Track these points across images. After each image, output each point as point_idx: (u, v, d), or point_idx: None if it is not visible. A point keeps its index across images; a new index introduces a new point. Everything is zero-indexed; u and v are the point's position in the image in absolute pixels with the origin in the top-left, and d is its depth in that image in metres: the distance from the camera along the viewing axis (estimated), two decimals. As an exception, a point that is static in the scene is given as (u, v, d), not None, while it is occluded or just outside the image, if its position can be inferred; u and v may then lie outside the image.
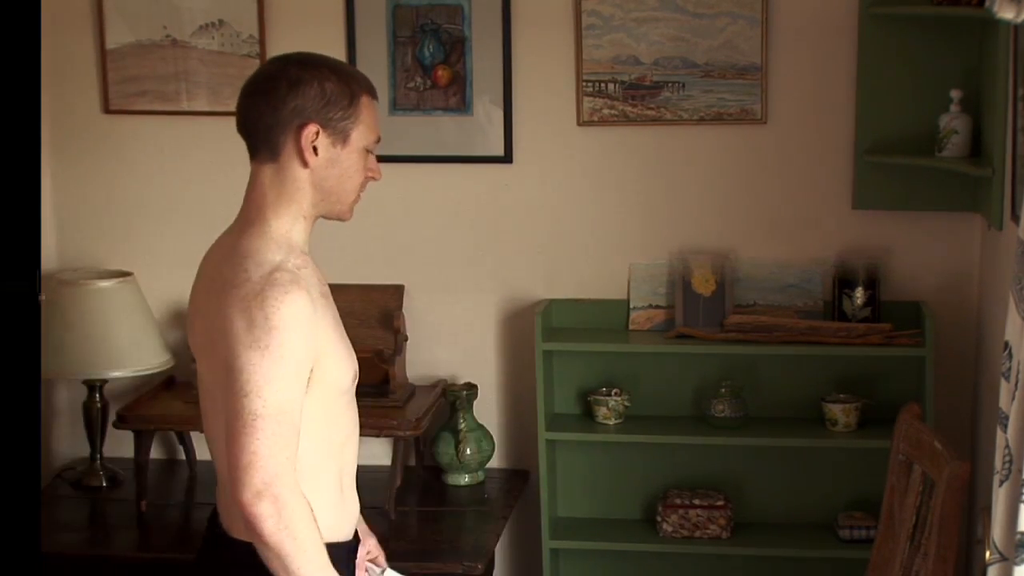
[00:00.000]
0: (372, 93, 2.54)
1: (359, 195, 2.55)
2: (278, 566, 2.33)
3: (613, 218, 4.14)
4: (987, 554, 2.41)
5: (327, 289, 2.54)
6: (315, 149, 2.45)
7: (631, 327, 4.13)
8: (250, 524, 2.30)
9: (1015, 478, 2.28)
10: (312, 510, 2.36)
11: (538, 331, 3.96)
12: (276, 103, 2.44)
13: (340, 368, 2.49)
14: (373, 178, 2.56)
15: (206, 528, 2.62)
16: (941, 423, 3.83)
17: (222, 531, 2.53)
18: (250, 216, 2.49)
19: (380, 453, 4.09)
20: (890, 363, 3.97)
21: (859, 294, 3.96)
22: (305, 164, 2.45)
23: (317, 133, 2.44)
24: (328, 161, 2.47)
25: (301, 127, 2.44)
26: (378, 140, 2.55)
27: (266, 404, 2.31)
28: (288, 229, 2.47)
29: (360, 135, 2.49)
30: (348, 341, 2.54)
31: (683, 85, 4.04)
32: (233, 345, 2.33)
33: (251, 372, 2.32)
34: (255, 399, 2.31)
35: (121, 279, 4.06)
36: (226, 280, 2.40)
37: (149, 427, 3.96)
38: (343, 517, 2.55)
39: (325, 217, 2.55)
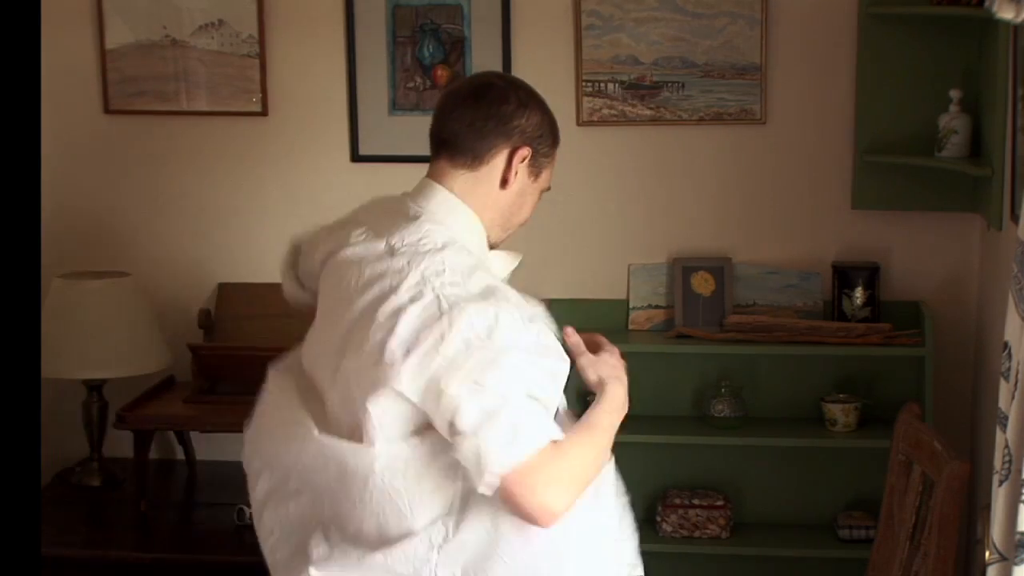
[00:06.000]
0: (559, 143, 2.52)
1: (510, 233, 2.51)
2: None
3: (613, 218, 4.14)
4: (987, 554, 2.41)
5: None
6: (515, 173, 2.41)
7: (631, 327, 4.13)
8: None
9: (1015, 478, 2.27)
10: None
11: (538, 331, 3.95)
12: (504, 115, 2.39)
13: None
14: (525, 222, 2.52)
15: None
16: (941, 423, 3.83)
17: None
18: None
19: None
20: (890, 363, 3.97)
21: (859, 294, 3.96)
22: (505, 183, 2.40)
23: (525, 159, 2.41)
24: (519, 189, 2.43)
25: (518, 148, 2.40)
26: (548, 188, 2.52)
27: None
28: None
29: (547, 177, 2.48)
30: None
31: (683, 85, 4.04)
32: None
33: None
34: None
35: (121, 279, 4.06)
36: None
37: (149, 427, 3.96)
38: None
39: None
